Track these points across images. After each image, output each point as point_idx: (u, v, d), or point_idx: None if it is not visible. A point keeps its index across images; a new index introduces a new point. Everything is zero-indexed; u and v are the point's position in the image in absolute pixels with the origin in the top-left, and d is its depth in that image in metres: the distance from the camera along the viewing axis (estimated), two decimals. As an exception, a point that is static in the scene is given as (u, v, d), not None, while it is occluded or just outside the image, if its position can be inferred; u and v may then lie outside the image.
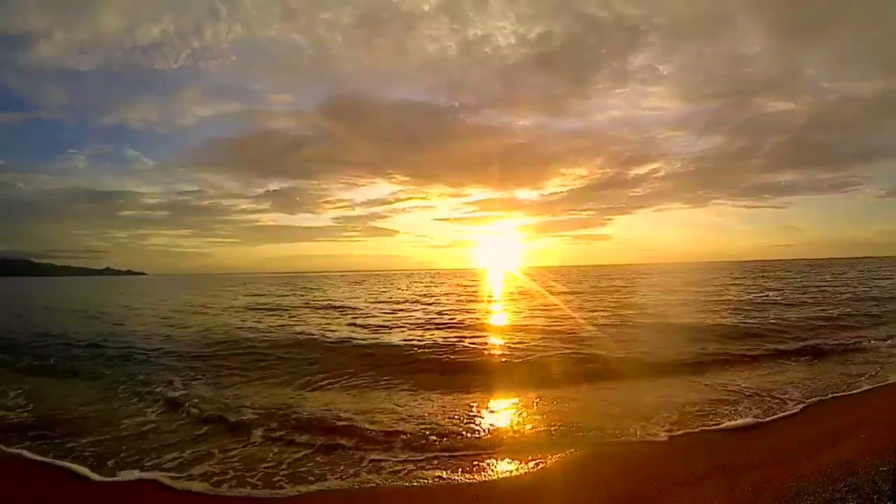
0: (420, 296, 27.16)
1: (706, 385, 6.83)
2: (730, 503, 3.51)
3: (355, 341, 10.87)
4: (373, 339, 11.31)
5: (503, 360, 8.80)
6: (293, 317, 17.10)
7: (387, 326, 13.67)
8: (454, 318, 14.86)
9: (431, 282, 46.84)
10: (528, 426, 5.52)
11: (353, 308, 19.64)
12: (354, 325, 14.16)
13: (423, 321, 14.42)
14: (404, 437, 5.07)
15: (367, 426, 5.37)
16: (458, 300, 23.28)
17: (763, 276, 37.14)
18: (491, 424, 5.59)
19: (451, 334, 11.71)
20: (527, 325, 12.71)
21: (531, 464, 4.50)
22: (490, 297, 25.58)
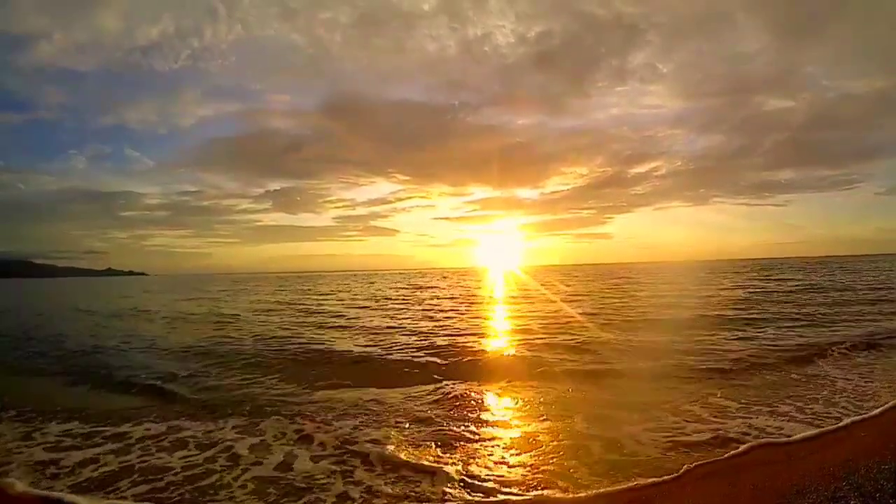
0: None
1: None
2: (731, 502, 3.50)
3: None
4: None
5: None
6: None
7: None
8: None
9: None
10: (528, 426, 5.53)
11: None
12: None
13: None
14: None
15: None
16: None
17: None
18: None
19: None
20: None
21: (528, 461, 4.49)
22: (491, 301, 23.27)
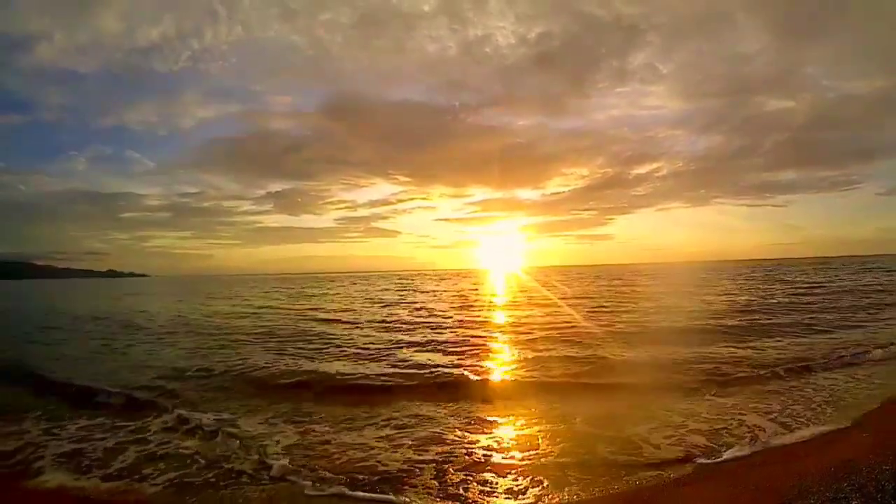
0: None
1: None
2: (732, 503, 3.51)
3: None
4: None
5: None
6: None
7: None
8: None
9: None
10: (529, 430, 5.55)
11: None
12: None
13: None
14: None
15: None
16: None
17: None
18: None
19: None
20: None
21: (523, 464, 4.50)
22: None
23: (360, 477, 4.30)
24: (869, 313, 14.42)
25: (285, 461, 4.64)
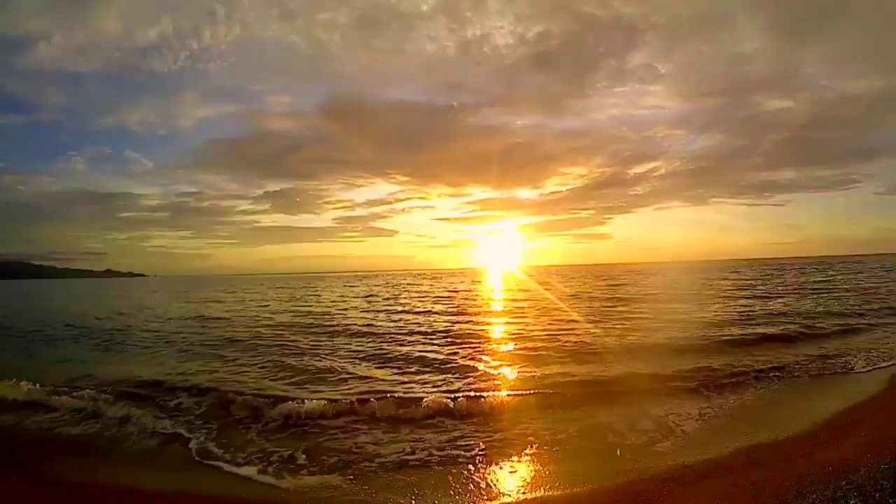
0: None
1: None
2: (731, 502, 3.49)
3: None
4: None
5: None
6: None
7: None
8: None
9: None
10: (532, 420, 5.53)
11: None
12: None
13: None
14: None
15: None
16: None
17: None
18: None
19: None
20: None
21: (528, 459, 4.49)
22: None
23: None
24: (863, 317, 14.25)
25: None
